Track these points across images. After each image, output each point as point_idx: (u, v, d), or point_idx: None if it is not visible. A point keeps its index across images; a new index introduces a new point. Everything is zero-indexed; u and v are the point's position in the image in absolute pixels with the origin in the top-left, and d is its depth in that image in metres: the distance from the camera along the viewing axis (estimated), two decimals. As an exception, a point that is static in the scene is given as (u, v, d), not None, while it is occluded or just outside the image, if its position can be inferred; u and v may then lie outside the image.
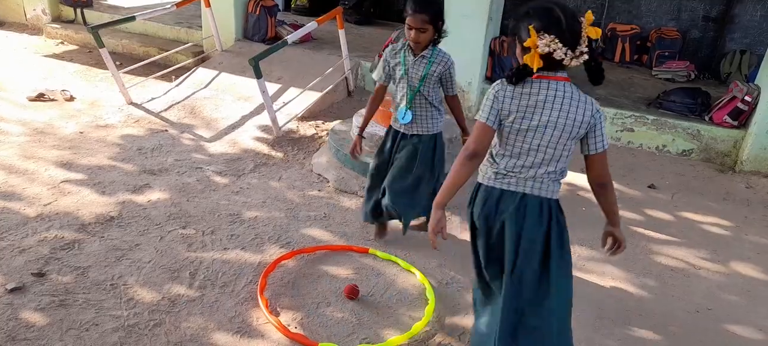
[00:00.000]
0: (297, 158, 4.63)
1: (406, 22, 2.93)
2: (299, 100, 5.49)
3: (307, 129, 5.18)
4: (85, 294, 2.81)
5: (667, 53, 7.27)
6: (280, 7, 8.60)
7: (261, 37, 6.89)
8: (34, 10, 7.94)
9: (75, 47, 7.38)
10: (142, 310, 2.74)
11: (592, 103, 2.07)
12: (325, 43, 7.03)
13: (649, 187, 4.73)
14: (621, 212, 4.23)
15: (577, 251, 3.64)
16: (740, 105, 5.20)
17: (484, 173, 2.23)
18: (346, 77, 6.14)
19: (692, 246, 3.85)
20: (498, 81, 2.08)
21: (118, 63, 5.96)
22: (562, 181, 2.20)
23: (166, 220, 3.54)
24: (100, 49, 5.31)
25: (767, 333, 3.03)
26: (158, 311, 2.75)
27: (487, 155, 2.20)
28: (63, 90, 5.55)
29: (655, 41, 7.41)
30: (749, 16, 7.25)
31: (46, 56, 6.89)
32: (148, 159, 4.35)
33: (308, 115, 5.44)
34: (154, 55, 6.58)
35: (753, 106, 5.14)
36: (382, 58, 3.18)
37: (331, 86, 5.84)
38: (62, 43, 7.53)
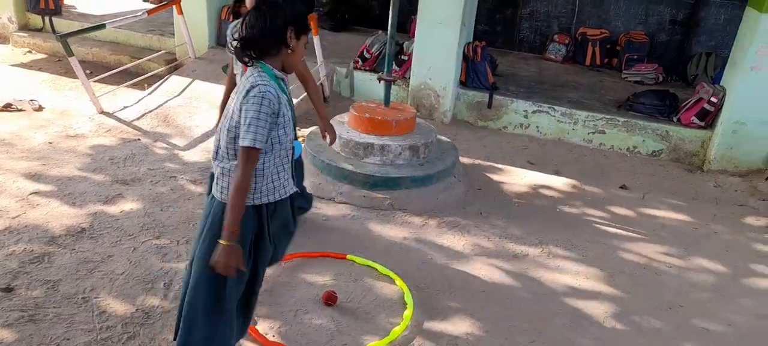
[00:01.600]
0: (273, 165, 4.60)
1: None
2: (274, 107, 5.45)
3: (283, 136, 5.15)
4: (56, 308, 2.74)
5: (636, 56, 7.42)
6: (254, 14, 8.53)
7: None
8: (0, 18, 7.75)
9: (44, 56, 7.22)
10: (115, 323, 2.69)
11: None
12: (300, 50, 7.00)
13: (621, 187, 4.82)
14: (594, 212, 4.34)
15: (552, 252, 3.69)
16: (707, 106, 5.34)
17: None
18: (321, 84, 6.13)
19: (663, 245, 3.94)
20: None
21: (88, 72, 5.85)
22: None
23: (140, 230, 3.48)
24: (69, 58, 5.20)
25: (736, 328, 3.11)
26: (132, 323, 2.69)
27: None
28: (31, 100, 5.42)
29: (624, 45, 7.56)
30: (714, 20, 7.46)
31: (13, 66, 6.73)
32: (121, 169, 4.28)
33: (284, 122, 5.41)
34: (126, 64, 6.47)
35: (719, 107, 5.29)
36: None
37: (305, 93, 5.81)
38: (30, 52, 7.35)
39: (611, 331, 3.00)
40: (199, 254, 2.16)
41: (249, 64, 2.07)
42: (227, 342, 2.24)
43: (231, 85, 3.17)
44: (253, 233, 2.17)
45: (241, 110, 1.99)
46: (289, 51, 2.09)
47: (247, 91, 1.98)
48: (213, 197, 2.18)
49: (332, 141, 3.24)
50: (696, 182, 5.08)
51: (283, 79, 2.14)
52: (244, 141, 1.96)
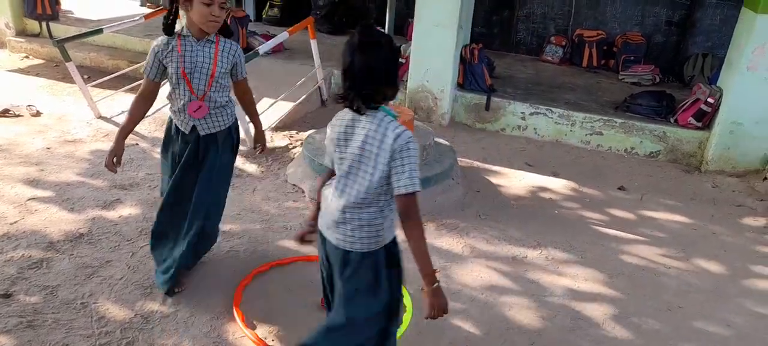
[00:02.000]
0: (271, 169, 4.60)
1: None
2: (272, 110, 5.46)
3: (281, 140, 5.16)
4: (55, 314, 2.74)
5: (632, 57, 7.45)
6: (251, 18, 8.56)
7: (232, 48, 6.83)
8: (-3, 23, 7.75)
9: (41, 61, 7.21)
10: (114, 328, 2.68)
11: None
12: (297, 53, 7.02)
13: (619, 189, 4.83)
14: (592, 214, 4.34)
15: (550, 253, 3.70)
16: (704, 106, 5.36)
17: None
18: (319, 87, 6.14)
19: (662, 246, 3.94)
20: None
21: (86, 76, 5.85)
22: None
23: (138, 235, 3.48)
24: (66, 63, 5.20)
25: (736, 329, 3.11)
26: (131, 328, 2.69)
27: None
28: (29, 105, 5.42)
29: (620, 46, 7.59)
30: (710, 21, 7.49)
31: (10, 71, 6.72)
32: (119, 174, 4.27)
33: (282, 126, 5.42)
34: (124, 68, 6.47)
35: (716, 108, 5.30)
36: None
37: (304, 96, 5.83)
38: (27, 57, 7.35)
39: (610, 332, 3.00)
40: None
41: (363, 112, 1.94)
42: None
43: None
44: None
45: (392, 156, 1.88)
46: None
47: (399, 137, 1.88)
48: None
49: (262, 149, 3.22)
50: (694, 183, 5.10)
51: None
52: (414, 186, 1.88)
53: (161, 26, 2.68)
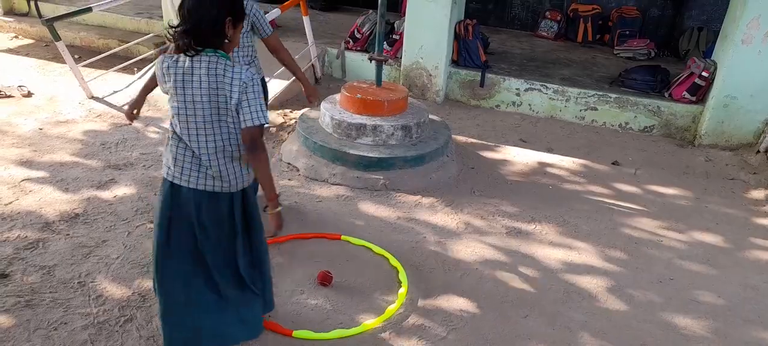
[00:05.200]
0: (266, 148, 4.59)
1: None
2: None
3: (275, 118, 5.14)
4: (52, 293, 2.75)
5: (628, 32, 7.42)
6: (244, -5, 8.45)
7: (225, 26, 6.77)
8: (-16, 3, 7.63)
9: (31, 41, 7.13)
10: (112, 306, 2.70)
11: None
12: (290, 31, 6.96)
13: (613, 163, 4.85)
14: (586, 188, 4.37)
15: (544, 228, 3.72)
16: (698, 81, 5.36)
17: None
18: (312, 64, 6.10)
19: (655, 219, 3.98)
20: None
21: (76, 56, 5.79)
22: None
23: (134, 215, 3.48)
24: (56, 43, 5.14)
25: (727, 299, 3.16)
26: (129, 306, 2.71)
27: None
28: (20, 86, 5.37)
29: (616, 21, 7.55)
30: (705, -6, 7.46)
31: (-1, 51, 6.65)
32: (113, 154, 4.26)
33: (276, 104, 5.39)
34: (114, 47, 6.40)
35: (710, 82, 5.31)
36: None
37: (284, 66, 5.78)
38: (17, 37, 7.26)
39: (603, 304, 3.04)
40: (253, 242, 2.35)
41: (189, 54, 2.03)
42: None
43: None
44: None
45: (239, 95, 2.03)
46: (227, 41, 2.09)
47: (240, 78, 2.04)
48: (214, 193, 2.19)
49: (315, 100, 3.28)
50: (687, 157, 5.12)
51: None
52: (261, 119, 2.05)
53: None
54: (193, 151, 2.12)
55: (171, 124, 2.17)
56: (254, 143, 2.09)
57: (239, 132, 2.11)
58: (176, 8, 2.11)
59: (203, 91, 2.04)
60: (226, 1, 2.02)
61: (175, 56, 2.06)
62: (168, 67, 2.07)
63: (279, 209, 2.21)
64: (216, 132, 2.10)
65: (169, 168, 2.18)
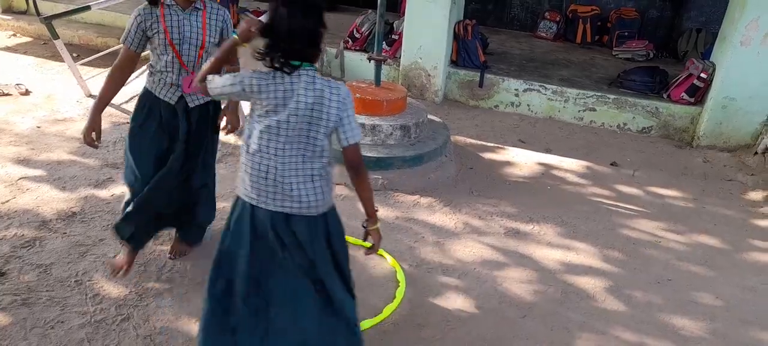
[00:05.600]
0: (264, 147, 4.58)
1: None
2: (265, 88, 5.42)
3: (274, 117, 5.13)
4: (49, 292, 2.74)
5: (626, 33, 7.43)
6: (243, -6, 8.45)
7: (223, 25, 6.77)
8: (-17, 1, 7.61)
9: (29, 39, 7.11)
10: (109, 305, 2.69)
11: None
12: (290, 30, 6.94)
13: (612, 164, 4.85)
14: (585, 189, 4.37)
15: (543, 228, 3.72)
16: (697, 82, 5.36)
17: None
18: (311, 64, 6.09)
19: (653, 220, 3.98)
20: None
21: (74, 55, 5.78)
22: None
23: (131, 213, 3.47)
24: (54, 41, 5.13)
25: (725, 300, 3.16)
26: (126, 305, 2.70)
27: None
28: (18, 84, 5.36)
29: (614, 22, 7.56)
30: (704, -4, 7.47)
31: (-3, 49, 6.63)
32: (111, 152, 4.25)
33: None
34: (113, 46, 6.39)
35: (708, 83, 5.31)
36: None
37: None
38: (15, 35, 7.24)
39: (601, 304, 3.04)
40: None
41: (287, 70, 1.89)
42: None
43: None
44: None
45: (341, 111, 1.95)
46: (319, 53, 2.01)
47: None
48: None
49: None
50: (685, 158, 5.13)
51: None
52: (359, 135, 2.03)
53: None
54: (276, 171, 1.95)
55: (247, 142, 2.00)
56: (359, 161, 2.03)
57: (326, 150, 1.99)
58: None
59: (300, 109, 1.89)
60: (320, 12, 1.92)
61: (269, 73, 1.91)
62: (261, 84, 1.89)
63: (378, 225, 2.14)
64: (306, 151, 1.96)
65: (245, 189, 2.02)
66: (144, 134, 2.71)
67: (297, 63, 1.90)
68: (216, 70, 2.05)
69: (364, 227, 2.15)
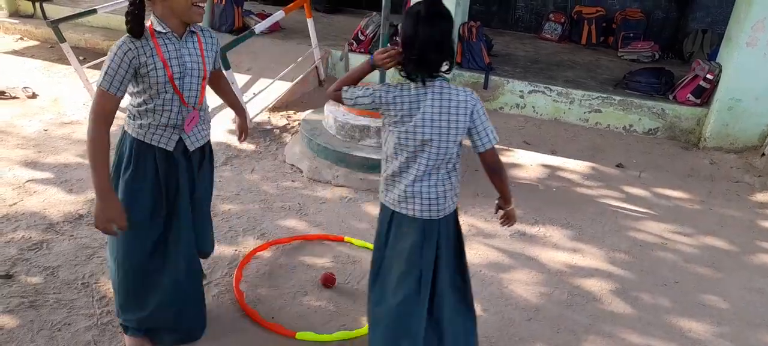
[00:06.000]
0: (269, 149, 4.60)
1: None
2: (270, 90, 5.43)
3: (279, 120, 5.14)
4: (56, 294, 2.75)
5: (632, 34, 7.41)
6: (248, -3, 8.47)
7: (228, 27, 6.79)
8: (-10, 5, 7.67)
9: (36, 43, 7.15)
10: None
11: None
12: (294, 33, 6.97)
13: (618, 166, 4.83)
14: (590, 191, 4.36)
15: (549, 230, 3.71)
16: (703, 83, 5.34)
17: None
18: (316, 67, 6.11)
19: (659, 222, 3.96)
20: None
21: (81, 58, 5.80)
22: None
23: (137, 216, 3.48)
24: (61, 44, 5.15)
25: (732, 303, 3.14)
26: (132, 308, 2.70)
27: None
28: (25, 87, 5.39)
29: (620, 23, 7.54)
30: (710, -3, 7.44)
31: (4, 53, 6.66)
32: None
33: (279, 106, 5.40)
34: (119, 49, 6.41)
35: (715, 84, 5.29)
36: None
37: (301, 76, 5.80)
38: (22, 38, 7.28)
39: (608, 307, 3.03)
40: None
41: (419, 82, 1.99)
42: None
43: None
44: None
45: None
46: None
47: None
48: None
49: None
50: (692, 160, 5.10)
51: None
52: (495, 138, 2.12)
53: (125, 25, 2.02)
54: (411, 177, 2.05)
55: (384, 150, 2.12)
56: (497, 163, 2.14)
57: (454, 157, 2.09)
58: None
59: (427, 118, 1.97)
60: (452, 23, 2.00)
61: (397, 85, 2.03)
62: (389, 97, 2.01)
63: (513, 205, 2.29)
64: (437, 159, 2.04)
65: (387, 195, 2.14)
66: (139, 196, 2.22)
67: (427, 75, 1.98)
68: (352, 84, 2.18)
69: (498, 206, 2.31)
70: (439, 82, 2.00)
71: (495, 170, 2.15)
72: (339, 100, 2.19)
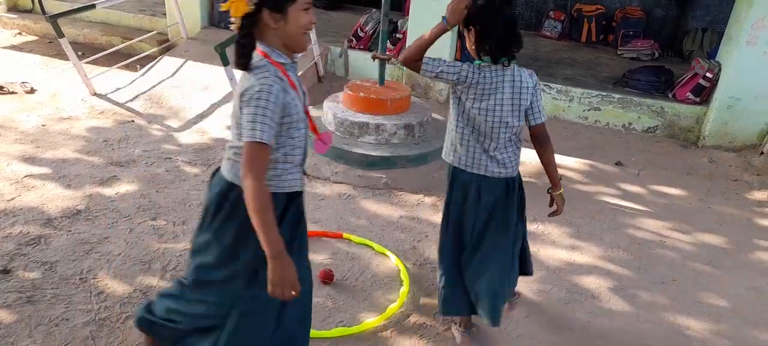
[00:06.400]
0: (268, 146, 4.58)
1: None
2: (269, 87, 5.42)
3: (278, 116, 5.13)
4: (54, 289, 2.75)
5: (631, 33, 7.40)
6: (247, -7, 8.44)
7: (228, 23, 6.78)
8: (-12, 0, 7.65)
9: (34, 38, 7.14)
10: (114, 303, 2.70)
11: None
12: (294, 29, 6.94)
13: (617, 164, 4.83)
14: (589, 189, 4.35)
15: (547, 228, 3.71)
16: (702, 81, 5.34)
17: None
18: (315, 63, 6.09)
19: (658, 219, 3.96)
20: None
21: (79, 53, 5.79)
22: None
23: (136, 212, 3.48)
24: (59, 39, 5.14)
25: (730, 301, 3.14)
26: (130, 303, 2.70)
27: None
28: (23, 82, 5.38)
29: (620, 21, 7.53)
30: (710, -5, 7.43)
31: (3, 48, 6.65)
32: (115, 151, 4.26)
33: (278, 102, 5.38)
34: (117, 45, 6.40)
35: (714, 83, 5.29)
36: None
37: (300, 72, 5.79)
38: (20, 33, 7.27)
39: (606, 305, 3.03)
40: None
41: (497, 65, 2.30)
42: None
43: None
44: None
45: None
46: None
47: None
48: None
49: None
50: (691, 158, 5.10)
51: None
52: (544, 116, 2.48)
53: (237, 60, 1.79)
54: (485, 145, 2.33)
55: (460, 121, 2.35)
56: (546, 136, 2.39)
57: (517, 127, 2.34)
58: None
59: (505, 98, 2.25)
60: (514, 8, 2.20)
61: (476, 69, 2.27)
62: (473, 77, 2.26)
63: (562, 190, 2.52)
64: (507, 130, 2.32)
65: (460, 158, 2.39)
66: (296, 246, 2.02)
67: (506, 57, 2.22)
68: (424, 50, 2.37)
69: (549, 193, 2.53)
70: (512, 65, 2.24)
71: (544, 142, 2.39)
72: (417, 69, 2.33)
